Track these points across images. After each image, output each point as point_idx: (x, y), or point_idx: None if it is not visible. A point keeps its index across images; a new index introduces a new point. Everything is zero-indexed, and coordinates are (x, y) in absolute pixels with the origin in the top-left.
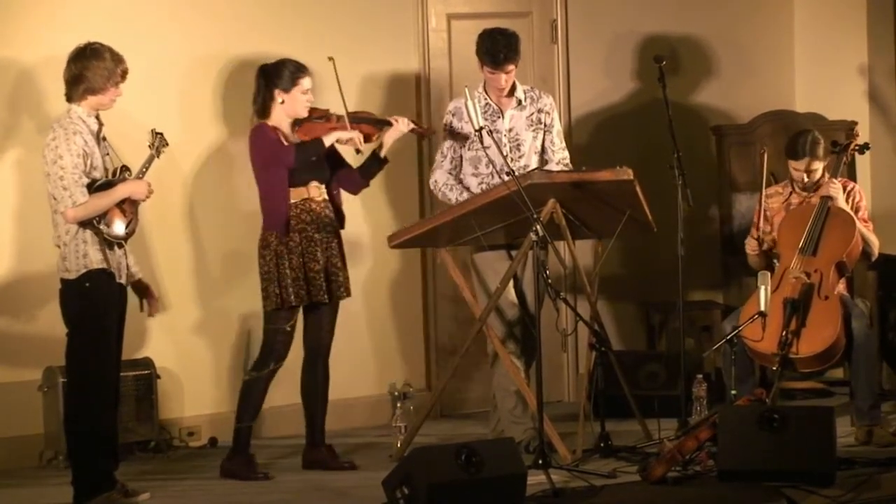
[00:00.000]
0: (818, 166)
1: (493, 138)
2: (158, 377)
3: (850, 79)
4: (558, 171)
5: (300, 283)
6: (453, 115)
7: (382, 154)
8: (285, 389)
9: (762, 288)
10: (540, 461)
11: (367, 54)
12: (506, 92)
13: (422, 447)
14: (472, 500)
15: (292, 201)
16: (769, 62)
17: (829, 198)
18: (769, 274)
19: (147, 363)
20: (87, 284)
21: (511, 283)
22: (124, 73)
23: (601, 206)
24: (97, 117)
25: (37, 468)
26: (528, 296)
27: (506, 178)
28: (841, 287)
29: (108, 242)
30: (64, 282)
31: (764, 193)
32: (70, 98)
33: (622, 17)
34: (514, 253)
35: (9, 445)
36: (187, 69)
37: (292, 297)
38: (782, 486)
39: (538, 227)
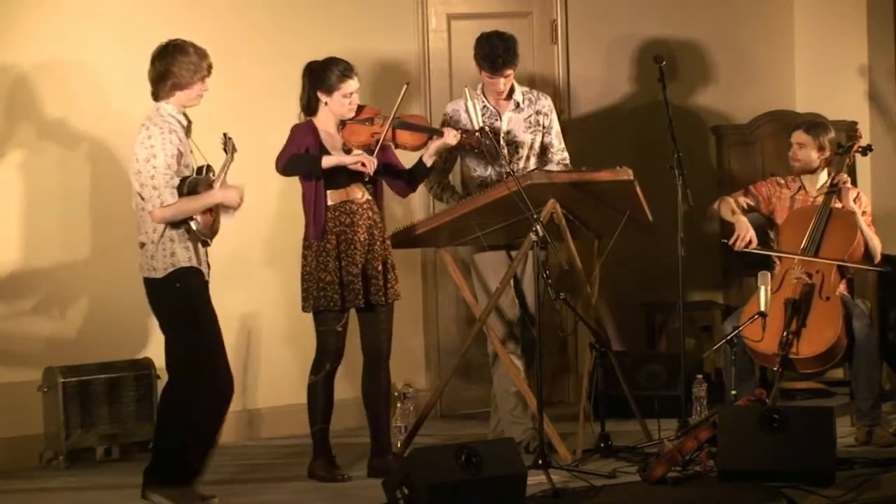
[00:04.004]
0: (806, 141)
1: (491, 139)
2: (158, 377)
3: (850, 79)
4: (558, 172)
5: (335, 287)
6: (451, 117)
7: (428, 163)
8: (285, 390)
9: (762, 288)
10: (540, 461)
11: (367, 54)
12: (504, 95)
13: (422, 447)
14: (472, 500)
15: (331, 203)
16: (769, 62)
17: (837, 191)
18: (769, 274)
19: (147, 363)
20: (178, 284)
21: (511, 284)
22: (210, 68)
23: (601, 206)
24: (185, 114)
25: (37, 468)
26: (528, 296)
27: (505, 178)
28: (842, 287)
29: (198, 240)
30: (150, 281)
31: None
32: (157, 96)
33: (622, 18)
34: (514, 253)
35: (9, 445)
36: None
37: (323, 301)
38: (782, 486)
39: (538, 227)
